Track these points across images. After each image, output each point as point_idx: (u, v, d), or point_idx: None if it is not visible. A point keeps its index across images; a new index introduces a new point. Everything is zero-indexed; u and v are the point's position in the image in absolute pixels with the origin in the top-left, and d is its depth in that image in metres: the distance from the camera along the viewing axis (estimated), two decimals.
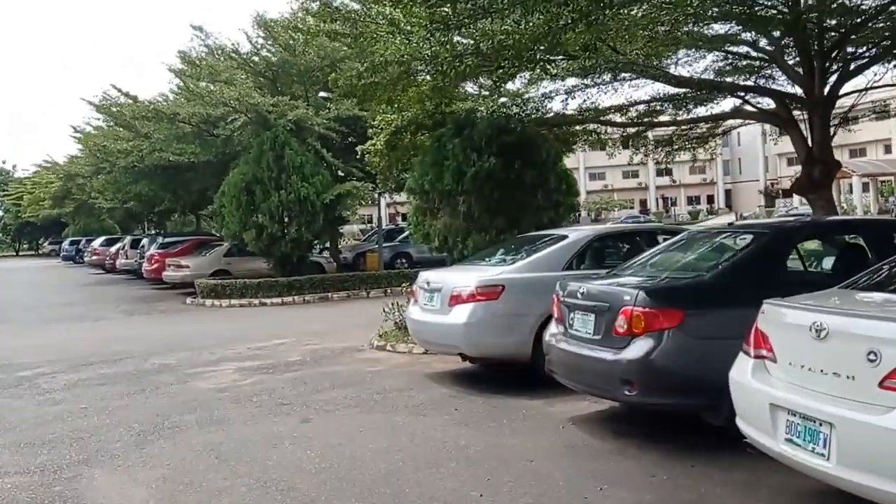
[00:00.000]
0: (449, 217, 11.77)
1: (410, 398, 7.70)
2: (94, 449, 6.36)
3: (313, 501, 4.85)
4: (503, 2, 7.66)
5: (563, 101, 12.48)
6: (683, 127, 14.28)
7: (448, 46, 8.36)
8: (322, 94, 23.66)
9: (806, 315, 3.95)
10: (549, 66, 10.34)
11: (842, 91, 11.27)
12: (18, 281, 35.37)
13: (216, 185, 22.42)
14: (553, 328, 6.66)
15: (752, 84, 12.43)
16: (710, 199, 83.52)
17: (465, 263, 9.63)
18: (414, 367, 9.47)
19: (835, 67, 11.21)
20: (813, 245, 6.43)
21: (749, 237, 6.02)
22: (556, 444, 5.82)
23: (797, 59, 11.59)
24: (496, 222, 11.48)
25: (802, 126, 11.48)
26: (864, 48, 11.49)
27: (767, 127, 66.23)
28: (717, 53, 12.37)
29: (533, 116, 12.50)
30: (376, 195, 24.89)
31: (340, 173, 22.97)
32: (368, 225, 60.94)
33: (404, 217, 57.92)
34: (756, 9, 9.94)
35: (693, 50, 11.78)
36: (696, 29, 10.73)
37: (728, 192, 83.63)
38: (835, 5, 10.07)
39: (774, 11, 10.11)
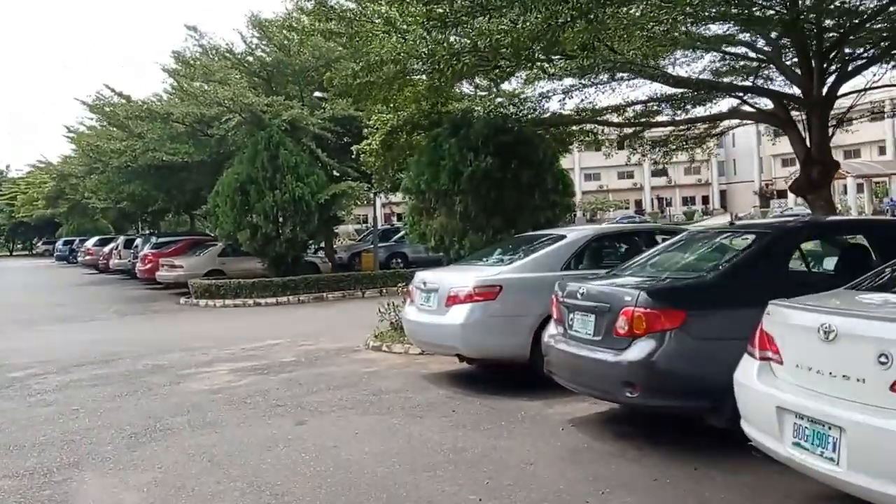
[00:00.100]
0: (445, 217, 11.67)
1: (407, 400, 7.60)
2: (84, 451, 6.25)
3: None
4: None
5: (560, 100, 12.39)
6: (681, 127, 14.20)
7: (445, 44, 8.25)
8: (317, 94, 23.59)
9: (813, 316, 3.87)
10: (546, 66, 10.24)
11: (840, 91, 11.20)
12: (11, 281, 35.14)
13: (210, 185, 22.29)
14: (552, 329, 6.57)
15: (750, 84, 12.35)
16: (706, 200, 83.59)
17: (463, 263, 9.54)
18: (410, 367, 9.37)
19: (833, 68, 11.14)
20: (815, 245, 6.33)
21: (751, 237, 5.93)
22: (556, 446, 5.72)
23: (795, 59, 11.54)
24: (493, 222, 11.40)
25: (800, 126, 11.41)
26: (863, 49, 11.43)
27: (762, 128, 66.54)
28: (714, 54, 12.30)
29: (530, 116, 12.41)
30: (372, 195, 24.78)
31: (335, 173, 22.87)
32: (364, 225, 60.79)
33: (400, 217, 57.83)
34: (754, 9, 9.87)
35: (690, 50, 11.71)
36: (693, 29, 10.67)
37: (723, 193, 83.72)
38: (833, 6, 10.01)
39: (772, 12, 10.05)
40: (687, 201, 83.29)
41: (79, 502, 5.11)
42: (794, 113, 11.63)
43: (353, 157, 17.13)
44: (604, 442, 5.79)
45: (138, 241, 31.23)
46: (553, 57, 10.30)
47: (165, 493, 5.14)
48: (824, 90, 10.75)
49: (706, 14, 9.16)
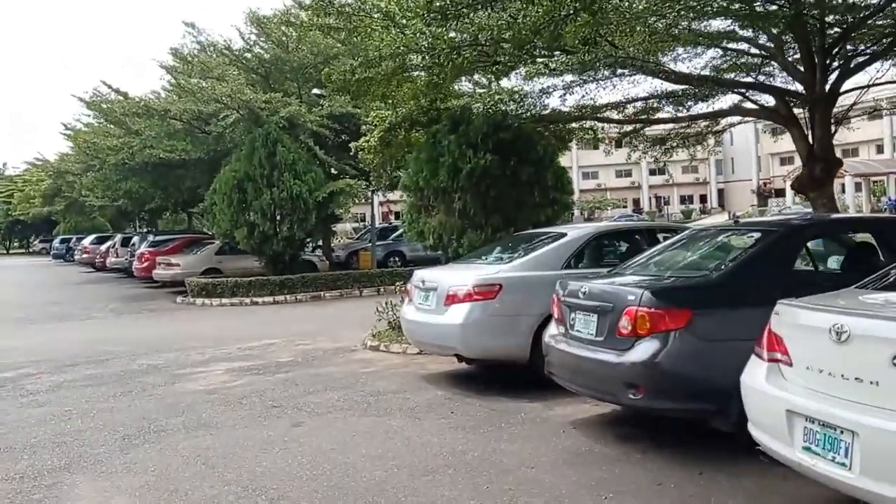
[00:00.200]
0: (444, 214, 11.55)
1: (405, 401, 7.48)
2: (76, 454, 6.13)
3: None
4: None
5: (560, 96, 12.25)
6: (682, 124, 14.08)
7: (445, 38, 8.11)
8: (315, 90, 23.48)
9: (825, 317, 3.74)
10: (547, 62, 10.11)
11: (843, 88, 11.08)
12: (6, 279, 34.97)
13: (207, 183, 22.19)
14: (553, 329, 6.45)
15: (752, 81, 12.22)
16: (703, 199, 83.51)
17: (462, 262, 9.42)
18: (408, 367, 9.25)
19: (836, 64, 11.02)
20: (820, 244, 6.21)
21: (757, 235, 5.82)
22: (558, 449, 5.60)
23: (797, 56, 11.42)
24: (492, 220, 11.28)
25: (802, 123, 11.29)
26: (865, 45, 11.31)
27: (761, 126, 66.43)
28: (715, 50, 12.18)
29: (530, 113, 12.28)
30: (370, 193, 24.67)
31: (333, 171, 22.77)
32: (361, 223, 60.69)
33: (397, 215, 57.71)
34: (756, 4, 9.75)
35: (691, 47, 11.58)
36: (695, 25, 10.56)
37: (721, 192, 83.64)
38: (836, 2, 9.89)
39: (775, 7, 9.93)
40: (685, 200, 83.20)
41: None
42: (796, 110, 11.50)
43: (351, 154, 17.00)
44: (606, 445, 5.66)
45: (135, 239, 31.07)
46: (554, 53, 10.17)
47: (158, 497, 5.02)
48: (827, 86, 10.62)
49: (709, 9, 9.03)
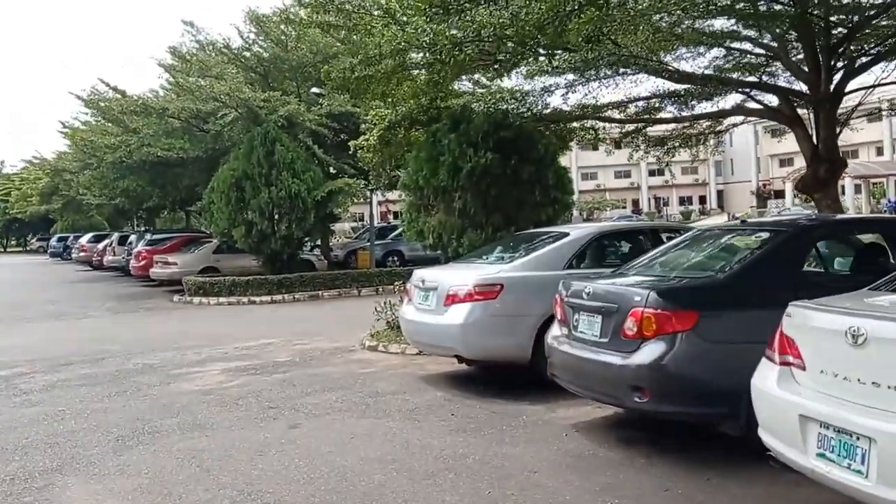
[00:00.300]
0: (444, 214, 11.42)
1: (404, 402, 7.35)
2: (69, 455, 6.00)
3: None
4: None
5: (562, 94, 12.13)
6: (684, 124, 13.96)
7: (447, 34, 7.98)
8: (314, 89, 23.36)
9: (840, 319, 3.63)
10: (549, 60, 9.99)
11: (848, 88, 10.96)
12: (3, 277, 34.79)
13: (205, 181, 22.06)
14: (555, 330, 6.32)
15: (756, 80, 12.11)
16: (703, 200, 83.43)
17: (462, 261, 9.29)
18: (407, 368, 9.13)
19: (840, 64, 10.92)
20: (830, 244, 6.09)
21: (765, 235, 5.70)
22: (561, 453, 5.48)
23: (801, 56, 11.32)
24: (492, 219, 11.16)
25: (806, 124, 11.19)
26: (870, 45, 11.21)
27: (760, 127, 66.41)
28: (718, 50, 12.07)
29: (532, 111, 12.16)
30: (368, 192, 24.55)
31: (332, 170, 22.65)
32: (360, 223, 60.58)
33: (396, 215, 57.59)
34: (760, 3, 9.65)
35: (694, 46, 11.47)
36: (699, 24, 10.45)
37: (720, 193, 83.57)
38: (840, 2, 9.79)
39: (780, 7, 9.83)
40: (684, 201, 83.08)
41: None
42: (799, 110, 11.39)
43: (350, 153, 16.91)
44: (610, 449, 5.54)
45: (133, 237, 30.92)
46: (556, 51, 10.05)
47: (150, 501, 4.90)
48: (832, 86, 10.52)
49: (713, 7, 8.92)
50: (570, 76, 11.37)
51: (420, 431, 6.26)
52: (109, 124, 25.88)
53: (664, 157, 15.08)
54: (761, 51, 11.66)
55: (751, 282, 5.18)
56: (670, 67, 11.18)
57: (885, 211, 47.20)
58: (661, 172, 71.49)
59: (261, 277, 19.84)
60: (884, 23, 10.51)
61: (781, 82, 12.19)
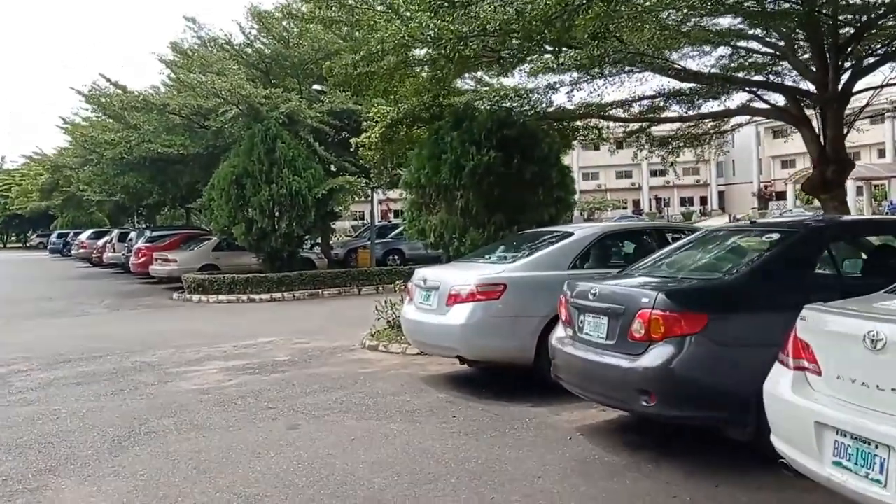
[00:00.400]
0: (446, 212, 11.31)
1: (405, 403, 7.24)
2: (63, 456, 5.88)
3: None
4: None
5: (567, 93, 12.01)
6: (688, 124, 13.84)
7: (452, 27, 7.85)
8: (315, 86, 23.24)
9: (858, 323, 3.51)
10: (554, 58, 9.86)
11: (856, 87, 10.85)
12: (1, 273, 34.71)
13: (206, 178, 21.93)
14: (560, 331, 6.20)
15: (764, 79, 11.98)
16: (704, 201, 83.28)
17: (464, 261, 9.17)
18: (408, 368, 9.01)
19: (848, 64, 10.80)
20: (841, 245, 5.96)
21: (776, 236, 5.58)
22: (565, 457, 5.35)
23: (808, 55, 11.20)
24: (495, 218, 11.03)
25: (813, 124, 11.07)
26: (879, 45, 11.10)
27: (762, 128, 66.26)
28: (724, 49, 11.95)
29: (536, 108, 12.04)
30: (369, 190, 24.43)
31: (333, 168, 22.53)
32: (360, 221, 60.48)
33: (396, 213, 57.50)
34: (767, 2, 9.53)
35: (700, 44, 11.35)
36: (705, 22, 10.33)
37: (721, 194, 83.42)
38: (850, 1, 9.67)
39: (787, 5, 9.71)
40: (685, 202, 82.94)
41: None
42: (806, 111, 11.27)
43: (351, 151, 16.76)
44: (616, 454, 5.41)
45: (132, 234, 30.81)
46: (562, 49, 9.92)
47: (146, 503, 4.78)
48: (840, 86, 10.39)
49: (721, 6, 8.80)
50: (575, 74, 11.25)
51: (421, 434, 6.14)
52: (110, 120, 25.75)
53: (668, 157, 14.94)
54: (768, 50, 11.54)
55: (761, 284, 5.05)
56: (676, 66, 11.06)
57: (886, 213, 47.14)
58: (662, 173, 71.55)
59: (260, 275, 19.72)
60: (891, 23, 10.39)
61: (788, 82, 12.07)
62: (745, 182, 78.63)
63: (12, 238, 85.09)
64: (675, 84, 12.19)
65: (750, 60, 12.06)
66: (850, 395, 3.49)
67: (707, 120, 13.75)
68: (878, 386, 3.34)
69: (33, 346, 11.80)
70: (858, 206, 49.05)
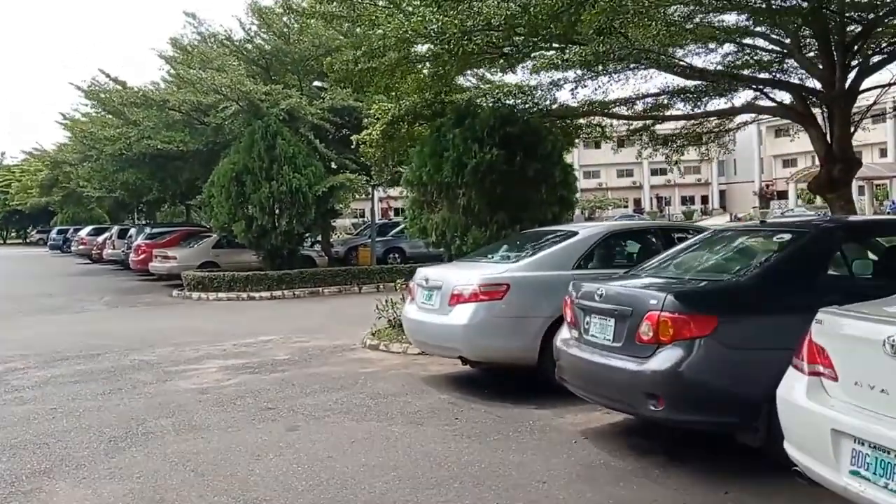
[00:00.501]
0: (447, 211, 11.18)
1: (406, 404, 7.13)
2: (58, 457, 5.78)
3: None
4: None
5: (571, 90, 11.88)
6: (693, 122, 13.71)
7: (457, 21, 7.72)
8: (316, 83, 23.10)
9: (876, 327, 3.39)
10: (564, 52, 9.74)
11: (863, 86, 10.71)
12: (1, 269, 34.60)
13: (206, 175, 21.81)
14: (565, 333, 6.09)
15: (770, 77, 11.85)
16: (705, 200, 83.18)
17: (467, 260, 9.05)
18: (409, 368, 8.90)
19: (855, 62, 10.68)
20: (853, 246, 5.83)
21: (787, 236, 5.46)
22: (570, 462, 5.24)
23: (815, 52, 11.08)
24: (497, 217, 10.91)
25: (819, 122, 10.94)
26: (885, 44, 10.98)
27: (764, 128, 66.07)
28: (729, 46, 11.82)
29: (540, 106, 11.91)
30: (370, 188, 24.30)
31: (333, 165, 22.39)
32: (360, 219, 60.32)
33: (397, 212, 57.40)
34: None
35: (706, 42, 11.21)
36: (711, 18, 10.21)
37: (722, 193, 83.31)
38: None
39: (794, 2, 9.59)
40: (686, 201, 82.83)
41: None
42: (813, 109, 11.14)
43: (351, 148, 16.61)
44: (622, 458, 5.29)
45: (132, 231, 30.71)
46: (566, 45, 9.81)
47: None
48: (847, 84, 10.27)
49: (727, 1, 8.68)
50: (579, 71, 11.13)
51: (423, 436, 6.03)
52: (109, 116, 25.63)
53: (673, 156, 14.81)
54: (774, 47, 11.40)
55: (773, 285, 4.93)
56: (682, 63, 10.93)
57: (888, 212, 47.04)
58: (663, 172, 71.38)
59: (260, 273, 19.61)
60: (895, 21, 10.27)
61: (794, 80, 11.94)
62: (747, 181, 78.48)
63: (12, 234, 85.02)
64: (679, 81, 12.07)
65: (756, 58, 11.92)
66: (869, 402, 3.38)
67: (712, 118, 13.61)
68: None
69: (31, 342, 11.70)
70: (860, 206, 48.82)
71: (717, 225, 8.26)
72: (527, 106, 11.85)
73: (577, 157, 69.29)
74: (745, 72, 12.06)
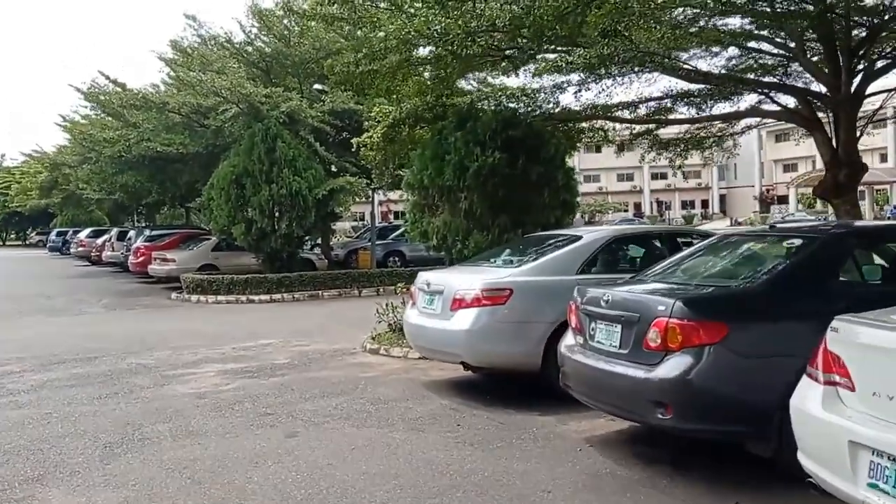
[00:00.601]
0: (449, 214, 11.09)
1: (407, 410, 7.01)
2: (52, 463, 5.66)
3: None
4: None
5: (574, 93, 11.79)
6: (696, 126, 13.62)
7: (460, 22, 7.63)
8: (316, 86, 23.04)
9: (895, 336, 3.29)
10: (568, 54, 9.65)
11: (869, 90, 10.63)
12: (1, 271, 34.47)
13: (205, 178, 21.73)
14: (569, 338, 5.98)
15: (776, 81, 11.76)
16: (705, 204, 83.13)
17: (469, 264, 8.95)
18: (410, 373, 8.78)
19: (860, 67, 10.59)
20: (865, 252, 5.73)
21: (798, 241, 5.35)
22: (575, 471, 5.13)
23: (820, 56, 10.99)
24: (499, 221, 10.82)
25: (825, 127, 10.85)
26: (891, 48, 10.89)
27: (764, 132, 66.06)
28: (733, 50, 11.74)
29: (543, 108, 11.82)
30: (370, 191, 24.21)
31: (334, 168, 22.31)
32: (360, 222, 60.25)
33: (397, 215, 57.27)
34: (778, 3, 9.32)
35: (710, 45, 11.14)
36: (716, 21, 10.13)
37: (723, 197, 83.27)
38: (860, 3, 9.46)
39: (799, 6, 9.51)
40: (686, 205, 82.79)
41: None
42: (819, 114, 11.05)
43: (352, 151, 16.54)
44: (628, 467, 5.18)
45: (131, 233, 30.60)
46: (570, 48, 9.71)
47: None
48: (852, 88, 10.18)
49: (732, 4, 8.59)
50: (583, 74, 11.04)
51: (424, 443, 5.92)
52: (109, 118, 25.55)
53: (676, 160, 14.71)
54: (779, 51, 11.32)
55: (784, 291, 4.82)
56: (687, 66, 10.84)
57: (888, 217, 46.98)
58: (663, 176, 71.38)
59: (260, 276, 19.50)
60: None
61: (799, 84, 11.85)
62: (747, 185, 78.47)
63: (11, 236, 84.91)
64: (683, 85, 12.00)
65: (761, 61, 11.85)
66: (888, 413, 3.27)
67: (716, 122, 13.52)
68: None
69: (28, 345, 11.58)
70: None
71: (721, 229, 8.15)
72: (529, 109, 11.77)
73: (578, 161, 69.35)
74: (750, 76, 11.99)
